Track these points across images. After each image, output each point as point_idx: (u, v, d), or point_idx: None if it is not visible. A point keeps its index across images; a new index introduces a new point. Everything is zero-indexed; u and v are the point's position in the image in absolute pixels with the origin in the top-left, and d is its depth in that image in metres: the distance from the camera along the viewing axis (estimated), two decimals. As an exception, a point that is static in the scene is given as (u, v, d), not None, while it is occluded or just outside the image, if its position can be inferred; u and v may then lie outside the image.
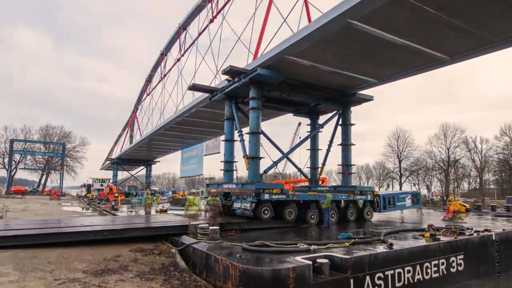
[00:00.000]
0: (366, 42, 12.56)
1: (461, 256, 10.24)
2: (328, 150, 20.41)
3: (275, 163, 18.43)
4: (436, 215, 23.18)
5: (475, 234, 11.46)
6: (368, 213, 17.96)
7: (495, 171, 56.44)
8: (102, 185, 50.64)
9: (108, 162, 62.79)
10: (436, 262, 9.51)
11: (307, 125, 22.36)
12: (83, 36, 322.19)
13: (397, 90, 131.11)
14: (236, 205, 15.72)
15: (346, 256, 7.82)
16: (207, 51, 25.68)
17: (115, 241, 10.78)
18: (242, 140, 17.78)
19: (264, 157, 16.96)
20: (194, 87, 19.11)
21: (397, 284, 8.44)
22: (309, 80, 17.24)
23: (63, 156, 73.02)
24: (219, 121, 23.16)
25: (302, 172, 21.43)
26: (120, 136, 63.56)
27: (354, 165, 21.16)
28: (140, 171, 66.12)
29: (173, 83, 39.21)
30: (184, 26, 33.28)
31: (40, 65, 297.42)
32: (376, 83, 17.26)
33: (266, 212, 14.53)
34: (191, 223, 11.35)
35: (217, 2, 25.57)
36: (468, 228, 12.29)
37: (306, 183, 23.74)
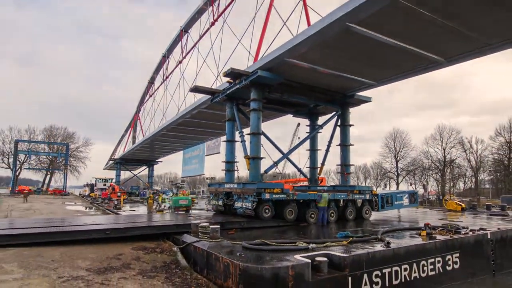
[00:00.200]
0: (364, 44, 12.59)
1: (457, 255, 10.24)
2: (327, 151, 20.43)
3: (276, 163, 18.45)
4: (432, 214, 23.18)
5: (471, 233, 11.45)
6: (367, 212, 17.96)
7: (490, 171, 56.40)
8: (105, 185, 50.62)
9: (111, 162, 62.76)
10: (433, 260, 9.52)
11: (307, 125, 22.37)
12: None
13: (395, 96, 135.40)
14: (238, 204, 15.75)
15: (344, 255, 7.82)
16: (208, 54, 25.78)
17: (117, 240, 10.77)
18: (243, 141, 17.82)
19: (264, 157, 17.03)
20: (196, 89, 19.14)
21: (394, 282, 8.44)
22: (309, 82, 17.27)
23: (66, 156, 73.05)
24: (220, 122, 23.20)
25: (301, 172, 21.45)
26: (123, 136, 63.59)
27: (353, 165, 21.21)
28: (143, 171, 66.06)
29: (175, 85, 39.19)
30: (185, 29, 33.30)
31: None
32: (374, 84, 17.29)
33: (267, 211, 14.58)
34: (192, 222, 11.35)
35: (218, 5, 25.62)
36: (463, 227, 12.28)
37: (305, 183, 23.77)
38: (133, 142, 55.11)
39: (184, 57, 33.28)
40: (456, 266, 10.13)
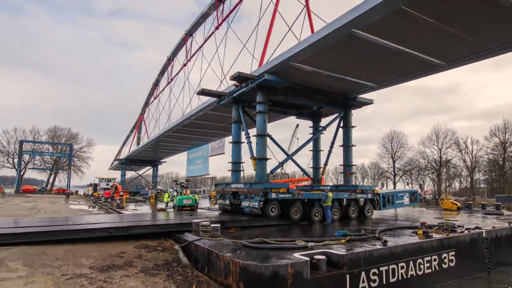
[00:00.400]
0: (367, 49, 12.69)
1: (453, 253, 10.23)
2: (329, 151, 20.54)
3: (281, 164, 18.73)
4: (428, 213, 23.16)
5: (466, 232, 11.44)
6: (369, 210, 18.15)
7: (485, 171, 56.36)
8: (108, 184, 50.55)
9: (116, 162, 62.69)
10: (429, 258, 9.51)
11: (310, 127, 22.48)
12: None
13: (392, 103, 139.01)
14: (245, 203, 15.96)
15: (342, 253, 7.83)
16: (213, 58, 25.84)
17: (120, 238, 10.76)
18: (249, 142, 17.96)
19: (270, 158, 17.23)
20: (203, 92, 19.22)
21: (391, 280, 8.44)
22: (312, 85, 17.41)
23: (70, 157, 72.97)
24: (224, 123, 23.27)
25: (305, 172, 21.78)
26: (128, 137, 63.58)
27: (355, 165, 21.31)
28: (147, 171, 66.00)
29: (179, 87, 39.18)
30: (190, 33, 33.34)
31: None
32: (375, 87, 17.43)
33: (273, 210, 14.73)
34: (193, 221, 11.35)
35: (222, 10, 25.67)
36: (459, 226, 12.26)
37: (304, 182, 23.84)
38: (138, 143, 55.11)
39: (189, 60, 33.33)
40: (452, 264, 10.12)
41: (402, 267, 8.74)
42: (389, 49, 12.45)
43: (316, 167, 21.88)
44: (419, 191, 51.35)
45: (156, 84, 47.51)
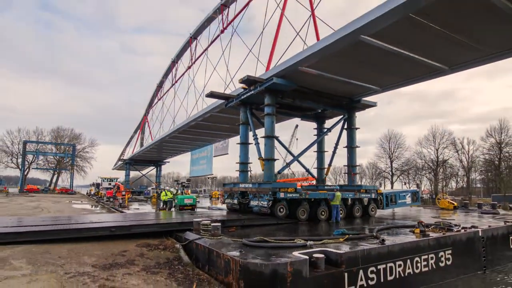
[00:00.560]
0: (372, 53, 12.77)
1: (449, 251, 10.24)
2: (334, 152, 20.62)
3: (288, 164, 19.10)
4: (425, 212, 23.18)
5: (463, 231, 11.45)
6: (372, 209, 18.38)
7: (481, 171, 56.39)
8: (110, 184, 50.55)
9: (120, 162, 62.63)
10: (426, 257, 9.51)
11: (314, 128, 22.54)
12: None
13: (391, 107, 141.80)
14: (253, 203, 16.10)
15: (341, 251, 7.82)
16: (218, 61, 25.83)
17: (122, 237, 10.76)
18: (257, 143, 18.06)
19: (278, 159, 17.39)
20: (211, 95, 19.24)
21: (389, 278, 8.44)
22: (318, 88, 17.51)
23: (73, 157, 72.97)
24: (230, 124, 23.29)
25: (310, 172, 21.87)
26: (131, 137, 63.48)
27: (359, 165, 21.43)
28: (151, 171, 65.95)
29: (183, 89, 39.25)
30: (194, 36, 33.30)
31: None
32: (379, 90, 17.53)
33: (281, 209, 14.91)
34: (194, 220, 11.35)
35: (227, 14, 25.62)
36: (456, 225, 12.28)
37: (305, 182, 23.90)
38: (141, 144, 55.03)
39: (193, 63, 33.30)
40: (448, 263, 10.13)
41: (399, 266, 8.75)
42: (395, 54, 12.55)
43: (320, 167, 21.99)
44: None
45: (160, 85, 47.48)
